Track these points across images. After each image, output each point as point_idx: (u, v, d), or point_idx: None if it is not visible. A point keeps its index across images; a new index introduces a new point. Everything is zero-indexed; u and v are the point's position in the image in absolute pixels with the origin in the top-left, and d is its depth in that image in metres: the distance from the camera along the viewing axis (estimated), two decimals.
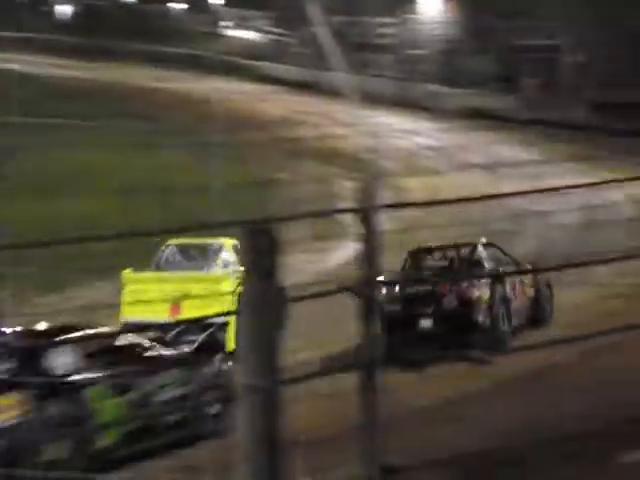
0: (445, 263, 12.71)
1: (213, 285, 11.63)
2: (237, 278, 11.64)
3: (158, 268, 12.44)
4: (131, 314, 11.43)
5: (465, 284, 11.74)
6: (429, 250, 13.00)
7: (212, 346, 9.24)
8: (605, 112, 31.71)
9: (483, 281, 11.96)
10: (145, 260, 13.09)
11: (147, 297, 11.36)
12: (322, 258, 17.53)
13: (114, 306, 12.18)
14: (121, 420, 8.19)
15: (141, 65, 50.01)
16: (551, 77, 35.81)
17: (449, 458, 4.32)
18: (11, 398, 7.80)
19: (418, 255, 12.89)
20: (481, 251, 12.68)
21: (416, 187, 23.77)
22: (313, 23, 47.42)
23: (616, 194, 20.69)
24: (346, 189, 21.00)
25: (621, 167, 23.09)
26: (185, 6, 63.62)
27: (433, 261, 12.87)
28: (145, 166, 22.05)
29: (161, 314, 11.25)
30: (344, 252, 17.20)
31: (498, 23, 43.91)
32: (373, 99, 36.26)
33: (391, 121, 33.95)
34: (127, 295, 11.93)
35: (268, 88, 44.83)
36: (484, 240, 12.99)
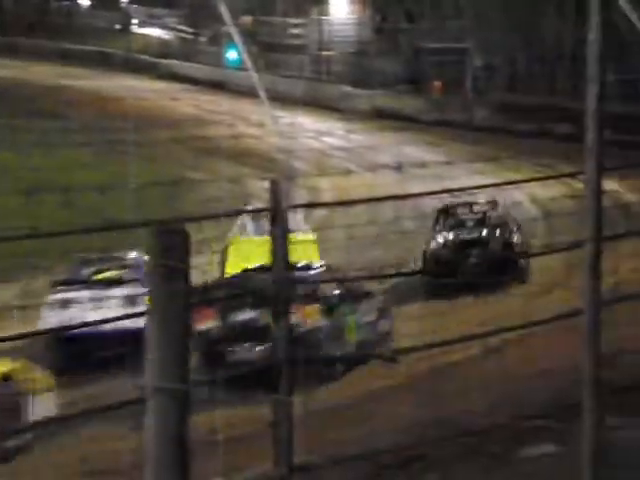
0: (479, 215, 16.41)
1: (304, 244, 14.02)
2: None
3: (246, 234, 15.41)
4: (234, 270, 13.35)
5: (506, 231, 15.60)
6: (454, 207, 16.51)
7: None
8: (510, 114, 32.49)
9: (515, 229, 15.63)
10: (50, 261, 12.84)
11: (249, 257, 13.67)
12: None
13: (22, 308, 11.96)
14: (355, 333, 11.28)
15: (48, 62, 48.95)
16: (458, 79, 36.48)
17: (358, 455, 4.36)
18: (313, 308, 10.85)
19: (448, 212, 16.46)
20: (502, 207, 16.61)
21: (327, 187, 23.90)
22: (222, 22, 47.14)
23: (519, 194, 21.24)
24: (259, 189, 20.99)
25: (525, 168, 23.70)
26: (92, 3, 62.51)
27: (466, 215, 16.53)
28: (52, 165, 21.59)
29: None
30: None
31: (407, 25, 44.49)
32: (285, 99, 36.27)
33: (303, 121, 34.00)
34: (232, 254, 14.63)
35: (179, 87, 44.40)
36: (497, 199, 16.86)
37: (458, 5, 36.90)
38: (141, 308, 10.15)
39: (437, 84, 37.76)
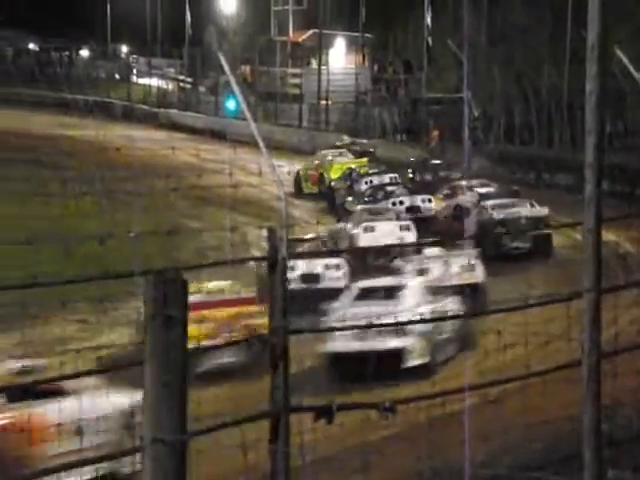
0: None
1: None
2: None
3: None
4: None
5: None
6: None
7: None
8: (508, 163, 32.75)
9: None
10: (49, 310, 12.77)
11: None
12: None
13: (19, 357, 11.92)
14: None
15: (48, 112, 49.35)
16: (456, 129, 36.75)
17: None
18: None
19: None
20: None
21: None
22: (222, 72, 47.64)
23: None
24: (257, 237, 21.02)
25: None
26: (92, 53, 63.18)
27: None
28: (49, 215, 21.63)
29: None
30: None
31: (405, 75, 44.92)
32: (283, 148, 36.49)
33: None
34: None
35: (177, 135, 44.67)
36: None
37: (456, 56, 37.26)
38: None
39: (434, 133, 38.03)
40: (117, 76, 60.55)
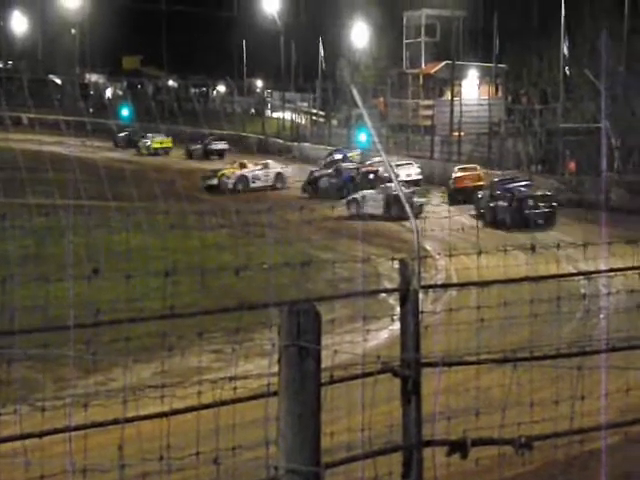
0: None
1: None
2: None
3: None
4: None
5: None
6: None
7: None
8: None
9: None
10: (185, 341, 13.11)
11: None
12: (364, 339, 17.35)
13: (159, 388, 12.23)
14: None
15: (185, 146, 50.96)
16: (592, 159, 35.79)
17: None
18: None
19: None
20: None
21: (457, 267, 23.67)
22: (353, 105, 48.02)
23: None
24: (389, 269, 20.99)
25: None
26: (228, 89, 64.96)
27: None
28: (186, 247, 22.27)
29: None
30: (387, 333, 17.09)
31: (540, 106, 44.14)
32: (415, 180, 36.33)
33: (433, 201, 34.03)
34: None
35: (310, 169, 45.28)
36: None
37: (594, 85, 36.33)
38: None
39: (571, 164, 37.19)
40: (252, 110, 62.04)
